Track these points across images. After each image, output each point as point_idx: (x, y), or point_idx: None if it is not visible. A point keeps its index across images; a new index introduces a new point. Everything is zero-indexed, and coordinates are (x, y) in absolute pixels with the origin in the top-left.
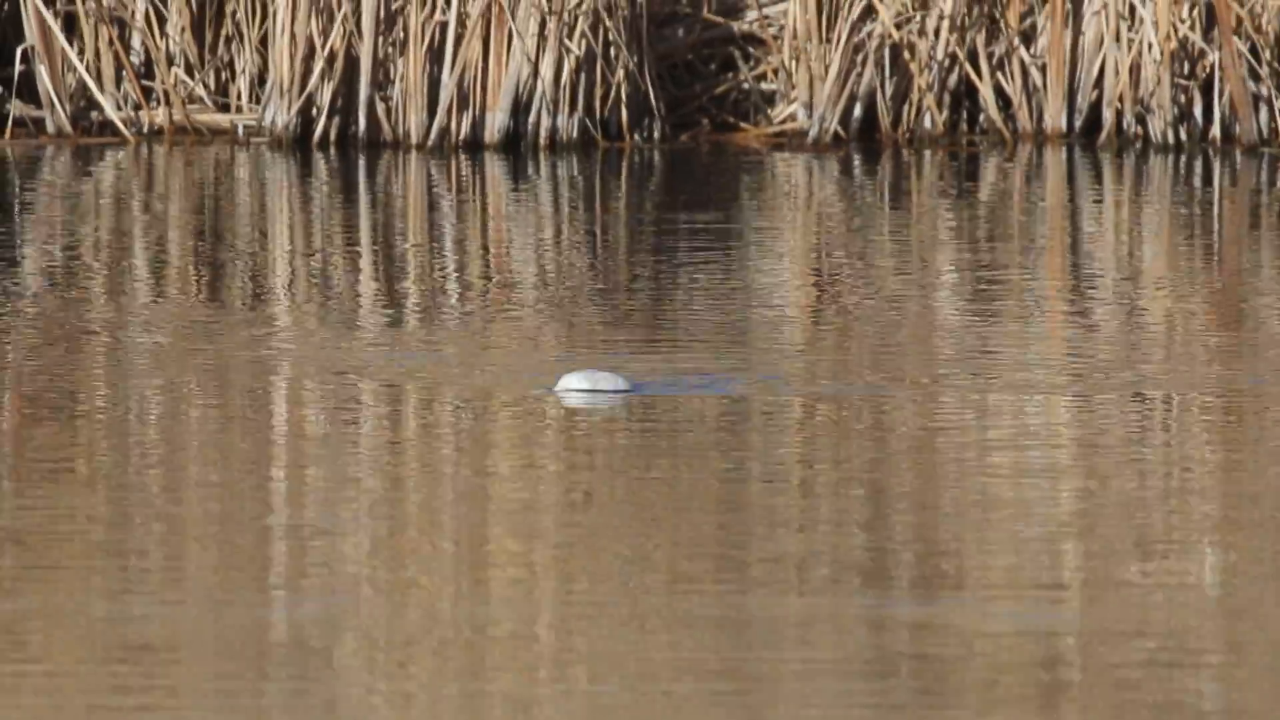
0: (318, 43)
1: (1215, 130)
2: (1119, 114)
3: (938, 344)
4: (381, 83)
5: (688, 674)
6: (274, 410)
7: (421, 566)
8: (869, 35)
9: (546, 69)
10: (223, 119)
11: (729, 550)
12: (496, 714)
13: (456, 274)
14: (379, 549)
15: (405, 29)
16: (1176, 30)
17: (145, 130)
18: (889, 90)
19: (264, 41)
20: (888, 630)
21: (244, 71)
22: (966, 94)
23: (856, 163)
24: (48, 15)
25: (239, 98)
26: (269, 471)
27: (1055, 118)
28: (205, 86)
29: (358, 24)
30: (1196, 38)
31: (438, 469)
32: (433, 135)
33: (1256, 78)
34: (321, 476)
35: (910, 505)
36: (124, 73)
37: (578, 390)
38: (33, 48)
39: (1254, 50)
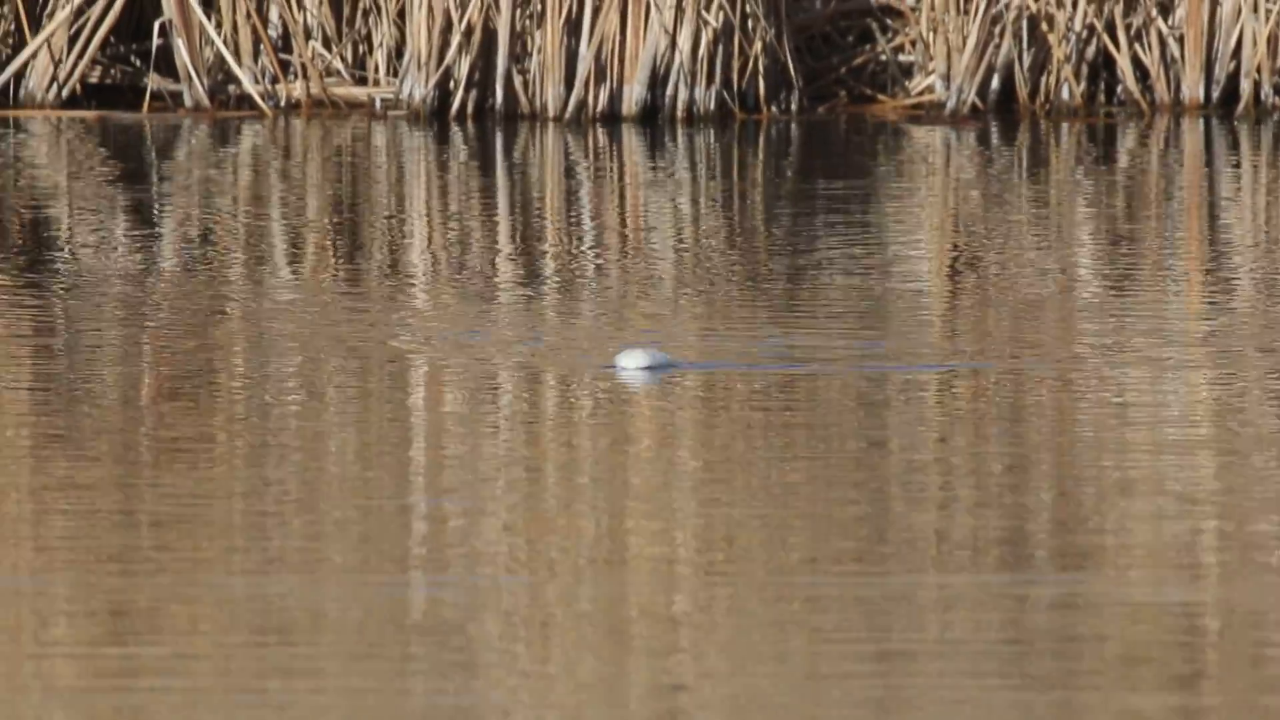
0: (455, 15)
1: None
2: (1257, 84)
3: (1075, 318)
4: (519, 55)
5: (829, 655)
6: (409, 387)
7: (560, 544)
8: (1006, 6)
9: (684, 41)
10: (360, 92)
11: (868, 529)
12: (637, 693)
13: (593, 247)
14: (516, 528)
15: (543, 1)
16: None
17: (282, 104)
18: (1027, 62)
19: (401, 14)
20: (1028, 607)
21: (381, 44)
22: (1104, 65)
23: (994, 134)
24: None
25: (376, 71)
26: (406, 449)
27: (1193, 88)
28: (342, 60)
29: None
30: None
31: (574, 445)
32: (570, 108)
33: None
34: (456, 453)
35: (1049, 481)
36: (261, 46)
37: (634, 368)
38: (170, 22)
39: None
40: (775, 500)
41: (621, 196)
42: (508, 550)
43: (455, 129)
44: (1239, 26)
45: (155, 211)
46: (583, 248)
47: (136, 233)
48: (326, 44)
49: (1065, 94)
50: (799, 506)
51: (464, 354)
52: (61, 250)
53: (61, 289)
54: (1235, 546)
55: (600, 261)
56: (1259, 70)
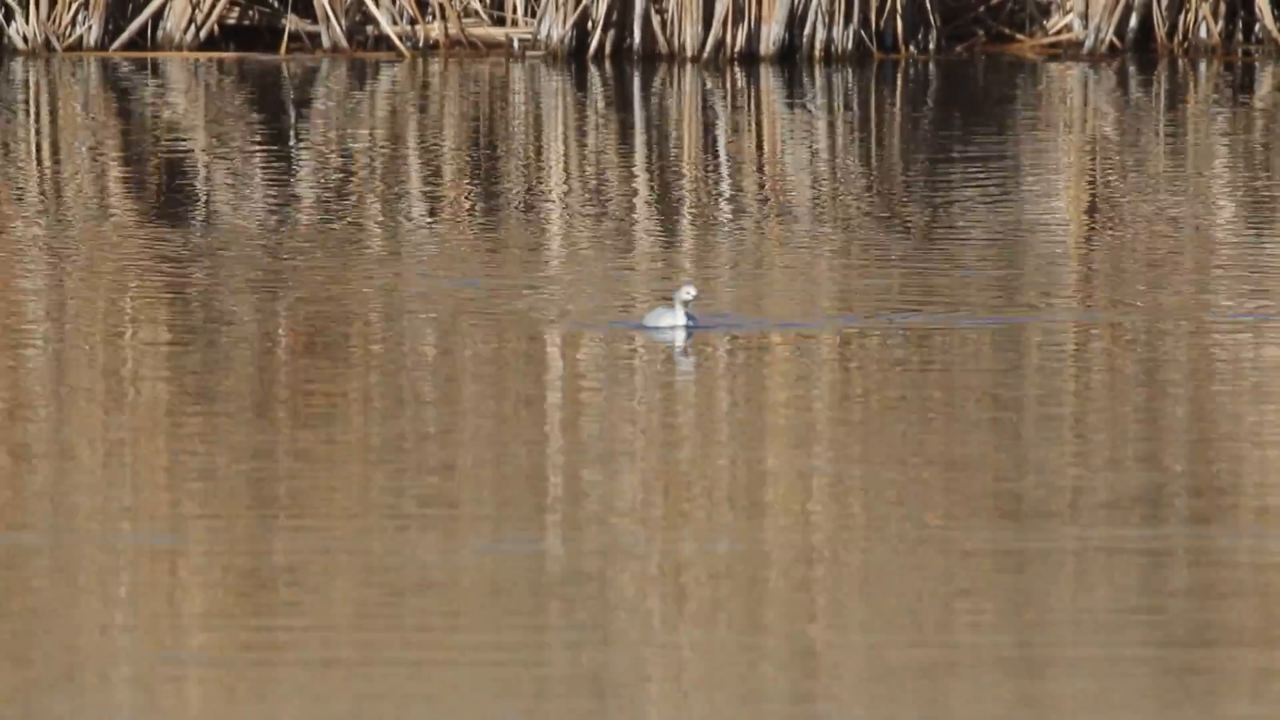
0: None
1: None
2: None
3: (1212, 269)
4: None
5: (964, 607)
6: (546, 345)
7: (696, 499)
8: None
9: None
10: (498, 33)
11: (1004, 484)
12: (773, 646)
13: (730, 193)
14: (653, 483)
15: None
16: None
17: (420, 44)
18: (1165, 1)
19: None
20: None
21: None
22: (1243, 4)
23: (1132, 73)
24: None
25: (514, 11)
26: (543, 399)
27: None
28: (480, 0)
29: None
30: None
31: (713, 396)
32: (708, 48)
33: None
34: (590, 406)
35: (1183, 436)
36: None
37: (661, 327)
38: None
39: None
40: (911, 451)
41: (759, 139)
42: (640, 503)
43: (593, 69)
44: None
45: (293, 155)
46: (718, 192)
47: (274, 176)
48: None
49: (1203, 32)
50: (934, 461)
51: (593, 297)
52: (199, 196)
53: (200, 235)
54: None
55: (735, 211)
56: None
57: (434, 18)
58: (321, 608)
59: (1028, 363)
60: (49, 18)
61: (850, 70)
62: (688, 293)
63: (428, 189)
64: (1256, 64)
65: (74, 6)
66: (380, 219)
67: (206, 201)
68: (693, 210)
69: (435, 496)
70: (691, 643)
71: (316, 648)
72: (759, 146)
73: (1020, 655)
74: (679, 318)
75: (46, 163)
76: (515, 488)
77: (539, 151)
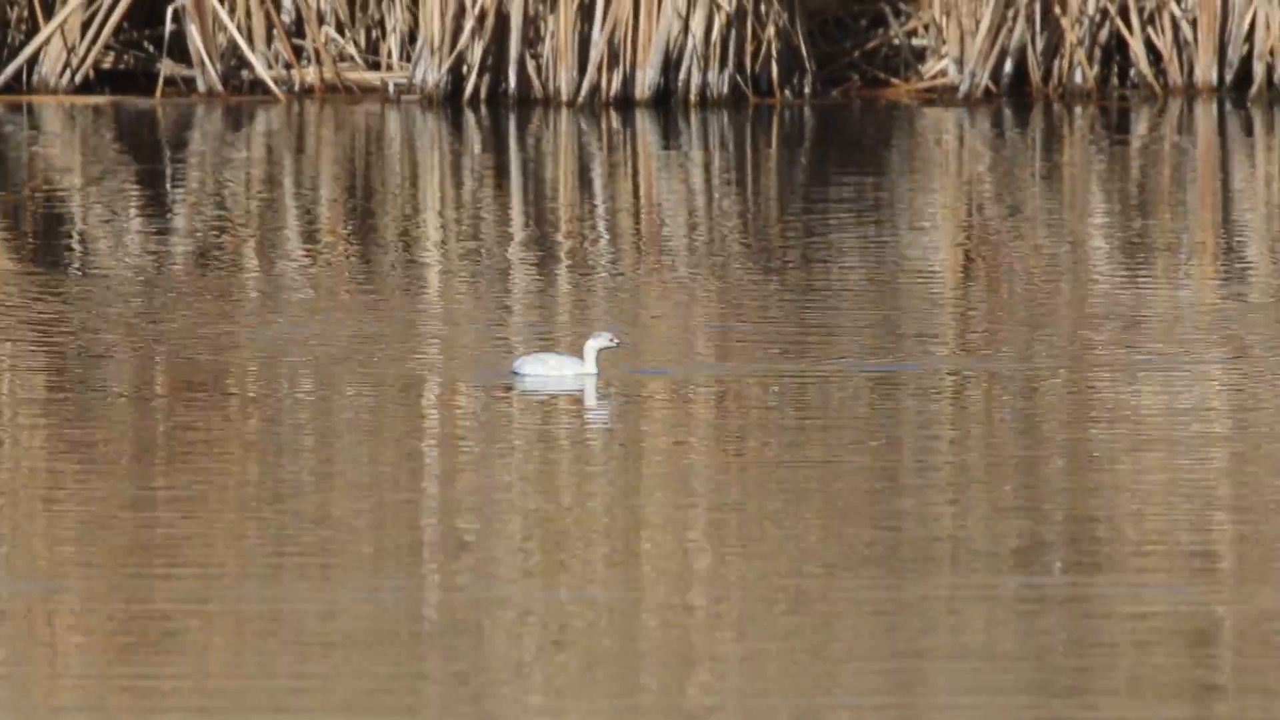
0: (468, 0)
1: None
2: (1270, 67)
3: (1089, 314)
4: (532, 40)
5: (843, 661)
6: (423, 393)
7: (572, 549)
8: None
9: (697, 25)
10: (373, 77)
11: (887, 534)
12: (650, 704)
13: (607, 238)
14: (531, 533)
15: None
16: None
17: (296, 89)
18: (1040, 45)
19: (414, 0)
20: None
21: (395, 30)
22: (1117, 48)
23: (1007, 117)
24: None
25: (390, 56)
26: (421, 449)
27: (1206, 71)
28: (356, 45)
29: None
30: None
31: (591, 445)
32: (583, 92)
33: None
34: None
35: (1062, 485)
36: (275, 31)
37: (534, 374)
38: (184, 7)
39: None
40: (794, 501)
41: (635, 184)
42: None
43: (468, 113)
44: (1252, 9)
45: (168, 198)
46: (594, 240)
47: (150, 220)
48: (340, 29)
49: (1078, 77)
50: (819, 514)
51: (478, 353)
52: (74, 239)
53: (75, 278)
54: (1250, 546)
55: (609, 258)
56: (1272, 53)
57: (309, 62)
58: (197, 657)
59: (905, 410)
60: None
61: (726, 114)
62: (604, 340)
63: (304, 234)
64: (1131, 108)
65: None
66: (256, 265)
67: (81, 246)
68: (569, 256)
69: (312, 545)
70: (571, 701)
71: (191, 696)
72: (635, 191)
73: (899, 705)
74: (589, 365)
75: None
76: (392, 536)
77: (415, 196)
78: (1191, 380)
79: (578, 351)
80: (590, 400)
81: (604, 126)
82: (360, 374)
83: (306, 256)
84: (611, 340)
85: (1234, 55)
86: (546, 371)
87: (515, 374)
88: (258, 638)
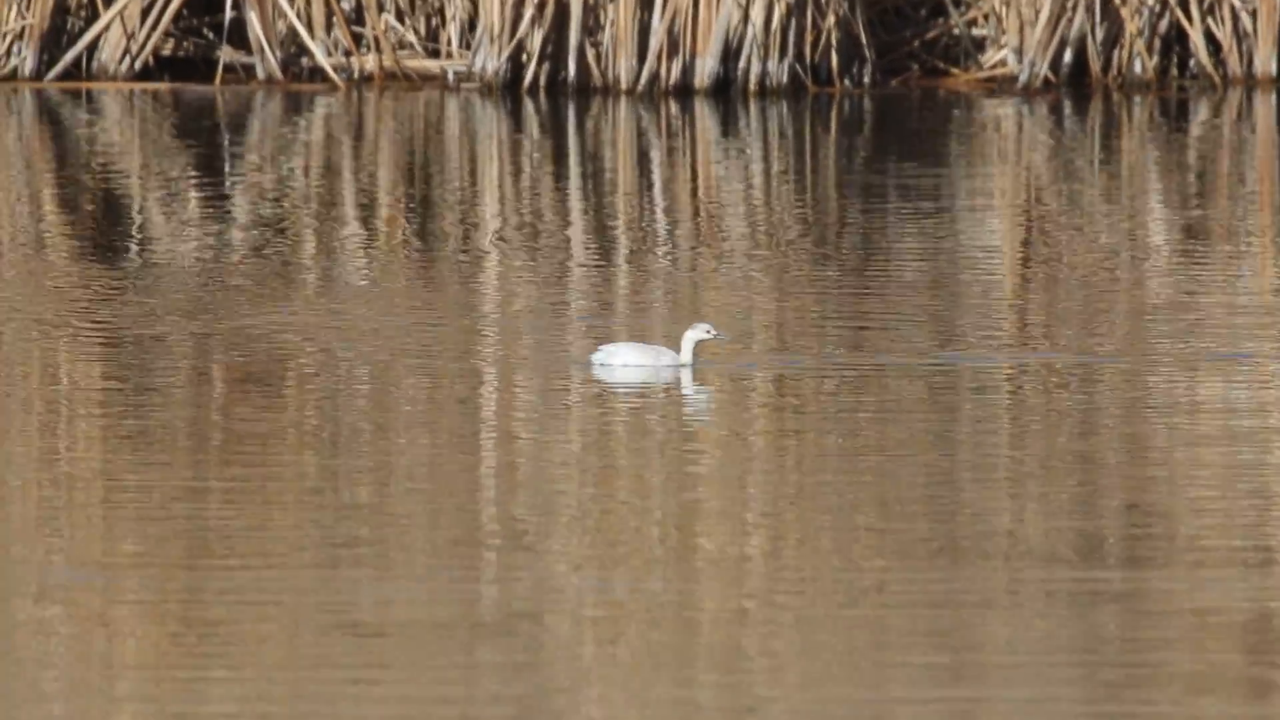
0: None
1: None
2: None
3: (1148, 306)
4: (591, 28)
5: (899, 654)
6: (490, 384)
7: (630, 543)
8: None
9: (757, 14)
10: (433, 65)
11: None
12: (708, 699)
13: (665, 227)
14: (590, 526)
15: None
16: None
17: (355, 76)
18: (1099, 35)
19: None
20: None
21: (454, 18)
22: (1177, 39)
23: (1066, 108)
24: None
25: (449, 44)
26: (487, 439)
27: (1265, 62)
28: (415, 32)
29: None
30: None
31: (648, 438)
32: (642, 81)
33: None
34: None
35: (1117, 478)
36: (334, 19)
37: (625, 364)
38: None
39: None
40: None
41: (694, 174)
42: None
43: (528, 102)
44: None
45: (226, 185)
46: (653, 231)
47: (208, 208)
48: (399, 17)
49: (1138, 68)
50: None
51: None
52: (131, 226)
53: (133, 265)
54: None
55: (670, 249)
56: None
57: (369, 50)
58: (254, 650)
59: (963, 404)
60: None
61: (785, 104)
62: (704, 332)
63: (363, 224)
64: (1190, 99)
65: (8, 37)
66: (316, 254)
67: (141, 234)
68: (628, 247)
69: (368, 537)
70: (627, 693)
71: (245, 686)
72: (694, 181)
73: (956, 699)
74: (686, 356)
75: None
76: (452, 529)
77: (474, 185)
78: (1250, 373)
79: (673, 344)
80: (687, 390)
81: (663, 115)
82: (422, 363)
83: (367, 245)
84: (709, 332)
85: None
86: (642, 361)
87: (603, 364)
88: (322, 630)
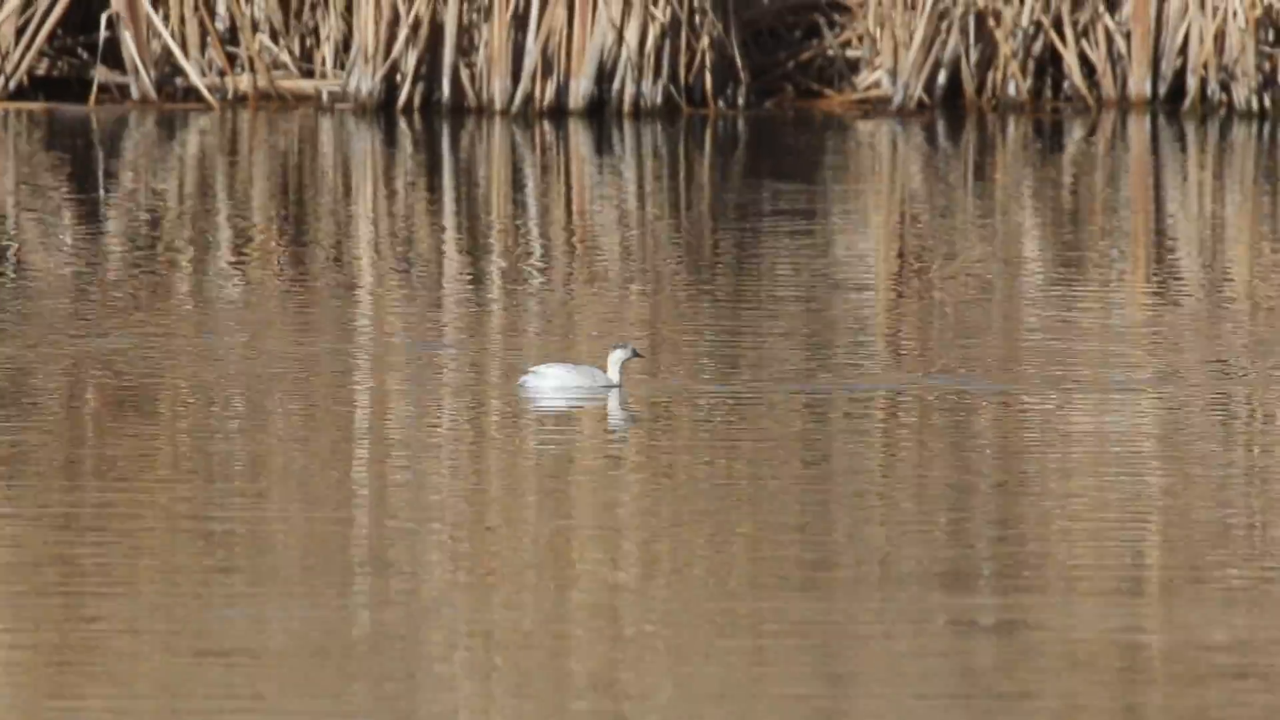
0: (402, 9)
1: None
2: (1203, 81)
3: (1018, 334)
4: (466, 49)
5: (772, 682)
6: (355, 397)
7: (503, 567)
8: (954, 2)
9: (631, 35)
10: (307, 85)
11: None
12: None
13: (540, 249)
14: (459, 550)
15: None
16: None
17: (230, 96)
18: (973, 57)
19: (349, 8)
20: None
21: (329, 38)
22: (1051, 61)
23: (941, 129)
24: None
25: (324, 64)
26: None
27: (1139, 85)
28: (290, 53)
29: None
30: None
31: (514, 463)
32: (517, 101)
33: None
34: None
35: (992, 505)
36: (209, 39)
37: (558, 386)
38: (118, 14)
39: None
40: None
41: (568, 194)
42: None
43: (402, 122)
44: (1186, 23)
45: (101, 206)
46: (527, 253)
47: (81, 228)
48: (274, 37)
49: (1012, 89)
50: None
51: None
52: (4, 249)
53: (6, 289)
54: (1176, 569)
55: (544, 267)
56: (1205, 67)
57: (243, 70)
58: (126, 677)
59: (836, 431)
60: None
61: (659, 125)
62: (628, 352)
63: (236, 244)
64: (1065, 120)
65: None
66: (191, 275)
67: (13, 255)
68: (501, 268)
69: (241, 561)
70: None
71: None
72: (568, 202)
73: None
74: (614, 376)
75: None
76: (324, 554)
77: (348, 206)
78: (1122, 399)
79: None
80: (614, 412)
81: (537, 136)
82: (297, 385)
83: (238, 267)
84: (635, 352)
85: (1168, 69)
86: (573, 382)
87: (526, 385)
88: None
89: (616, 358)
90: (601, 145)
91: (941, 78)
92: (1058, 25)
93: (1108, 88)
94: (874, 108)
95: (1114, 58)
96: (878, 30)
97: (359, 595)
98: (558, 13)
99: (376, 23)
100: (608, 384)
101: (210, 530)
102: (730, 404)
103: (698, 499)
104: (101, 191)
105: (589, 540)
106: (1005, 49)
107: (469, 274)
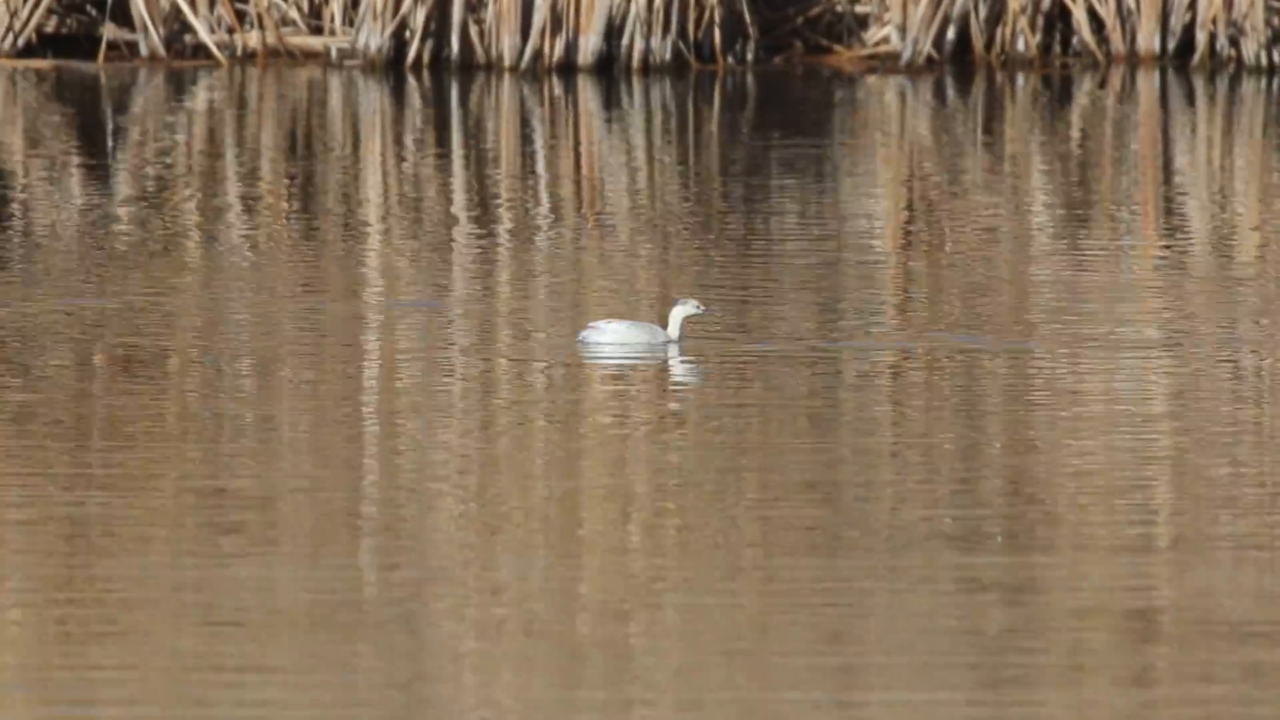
0: None
1: None
2: (1212, 36)
3: (1026, 294)
4: (475, 5)
5: (781, 644)
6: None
7: (513, 528)
8: None
9: None
10: (316, 42)
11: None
12: (587, 698)
13: (549, 205)
14: (470, 514)
15: None
16: None
17: (238, 53)
18: (983, 13)
19: None
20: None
21: None
22: (1060, 16)
23: (949, 85)
24: None
25: (332, 21)
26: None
27: (1148, 40)
28: (299, 9)
29: None
30: None
31: (525, 422)
32: (525, 58)
33: None
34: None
35: (998, 465)
36: None
37: (613, 342)
38: None
39: None
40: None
41: (577, 151)
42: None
43: (410, 79)
44: None
45: (109, 163)
46: (537, 212)
47: (89, 185)
48: None
49: (1021, 45)
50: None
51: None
52: (13, 204)
53: (14, 244)
54: (1184, 528)
55: (552, 229)
56: (1214, 22)
57: (252, 27)
58: (136, 642)
59: (845, 390)
60: None
61: (668, 81)
62: (691, 307)
63: (246, 202)
64: (1074, 76)
65: None
66: (199, 233)
67: (23, 212)
68: (510, 225)
69: (252, 523)
70: (508, 685)
71: (131, 683)
72: (576, 160)
73: (838, 691)
74: (674, 332)
75: None
76: (336, 518)
77: (356, 164)
78: (1132, 357)
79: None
80: (674, 367)
81: (546, 93)
82: (307, 344)
83: (248, 228)
84: (698, 307)
85: (1176, 24)
86: (633, 338)
87: (591, 341)
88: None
89: (678, 313)
90: (610, 101)
91: (950, 33)
92: None
93: (1116, 43)
94: (883, 64)
95: (1123, 13)
96: None
97: (366, 558)
98: None
99: None
100: (667, 340)
101: (222, 491)
102: (738, 363)
103: (706, 459)
104: (110, 148)
105: (598, 502)
106: (1014, 4)
107: (477, 231)
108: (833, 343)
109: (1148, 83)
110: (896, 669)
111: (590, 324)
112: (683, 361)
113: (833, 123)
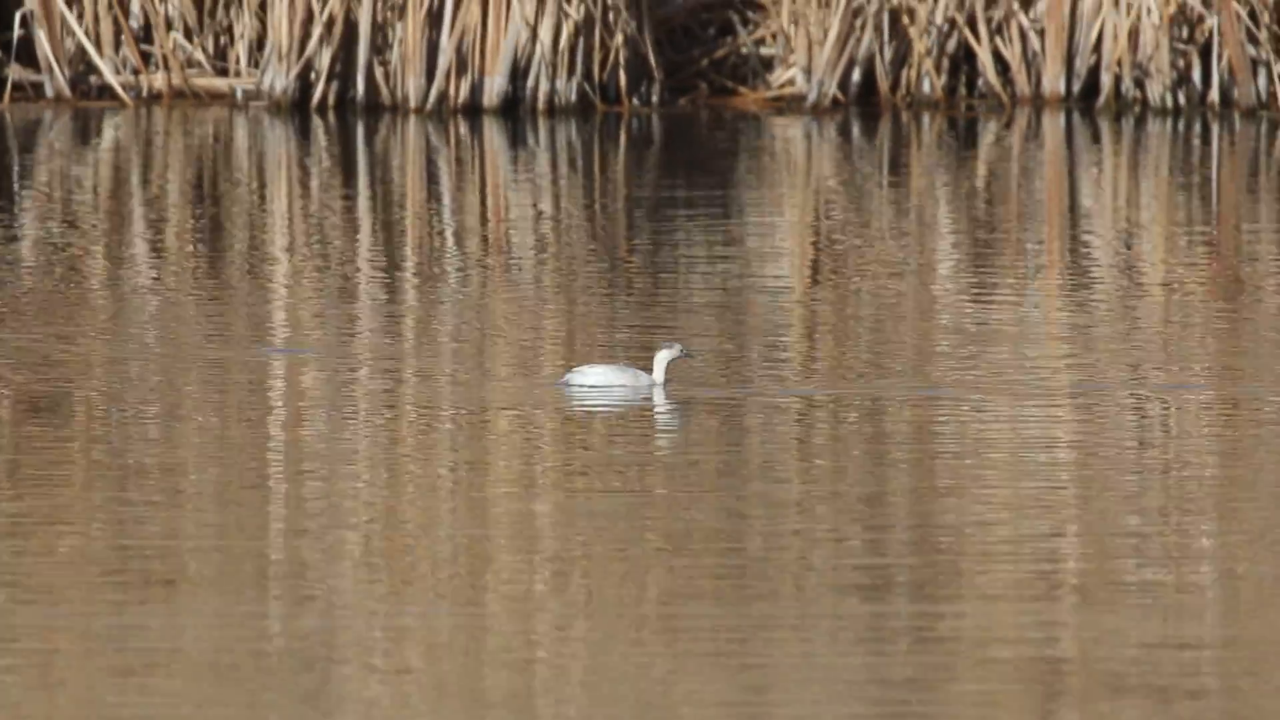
0: (316, 7)
1: (1214, 94)
2: (1117, 78)
3: (931, 339)
4: (380, 47)
5: (686, 690)
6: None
7: (418, 574)
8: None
9: (545, 33)
10: (221, 83)
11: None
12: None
13: (454, 247)
14: (374, 558)
15: None
16: None
17: (144, 94)
18: (888, 54)
19: (263, 6)
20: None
21: (243, 36)
22: (965, 58)
23: (855, 127)
24: None
25: (237, 62)
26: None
27: (1054, 82)
28: (204, 51)
29: None
30: (1195, 2)
31: (426, 469)
32: (431, 99)
33: (1255, 42)
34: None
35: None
36: (123, 37)
37: (596, 385)
38: (32, 12)
39: (1253, 14)
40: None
41: (482, 193)
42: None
43: (316, 120)
44: (1100, 20)
45: (14, 204)
46: (443, 247)
47: None
48: (188, 35)
49: (926, 87)
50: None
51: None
52: None
53: None
54: (1091, 572)
55: (459, 270)
56: (1120, 64)
57: (157, 68)
58: (42, 690)
59: (751, 438)
60: None
61: (574, 123)
62: (675, 351)
63: (152, 244)
64: (979, 118)
65: None
66: (103, 275)
67: None
68: (415, 269)
69: (159, 568)
70: None
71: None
72: (482, 200)
73: None
74: (659, 376)
75: None
76: (239, 560)
77: (262, 205)
78: (1039, 403)
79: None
80: (659, 409)
81: (452, 134)
82: (213, 389)
83: (153, 267)
84: (682, 351)
85: (1081, 66)
86: (620, 381)
87: (573, 385)
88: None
89: (662, 357)
90: (516, 142)
91: (856, 75)
92: (971, 23)
93: (1022, 85)
94: (788, 105)
95: (1028, 55)
96: (792, 28)
97: (274, 605)
98: (472, 10)
99: (290, 21)
100: (651, 384)
101: (129, 537)
102: (644, 411)
103: (613, 506)
104: (16, 189)
105: (503, 548)
106: (919, 46)
107: (381, 273)
108: (740, 389)
109: (1053, 124)
110: (805, 719)
111: (574, 368)
112: (668, 405)
113: (738, 164)
